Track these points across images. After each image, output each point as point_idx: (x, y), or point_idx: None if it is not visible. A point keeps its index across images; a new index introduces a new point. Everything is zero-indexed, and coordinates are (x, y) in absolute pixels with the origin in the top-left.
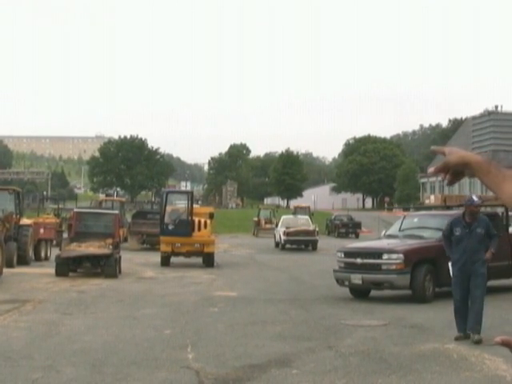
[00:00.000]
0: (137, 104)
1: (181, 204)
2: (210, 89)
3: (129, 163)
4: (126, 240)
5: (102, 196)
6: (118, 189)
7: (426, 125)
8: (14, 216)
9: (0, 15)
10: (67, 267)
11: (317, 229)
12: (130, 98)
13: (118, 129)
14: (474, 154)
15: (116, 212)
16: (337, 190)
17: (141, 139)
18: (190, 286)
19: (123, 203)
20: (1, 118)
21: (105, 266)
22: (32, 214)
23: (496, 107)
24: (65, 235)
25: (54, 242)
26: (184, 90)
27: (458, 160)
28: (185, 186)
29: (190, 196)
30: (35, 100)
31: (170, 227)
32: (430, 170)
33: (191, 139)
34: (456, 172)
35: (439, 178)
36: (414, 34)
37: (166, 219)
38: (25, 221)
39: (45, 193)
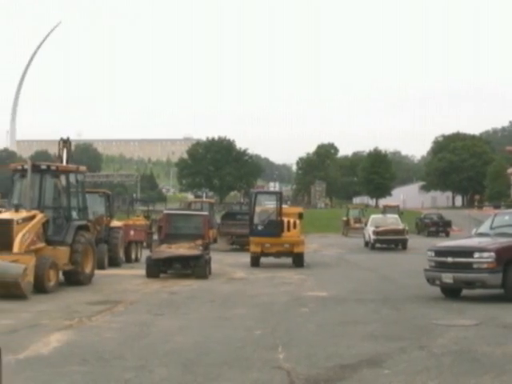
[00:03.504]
0: (225, 105)
1: (270, 204)
2: (299, 89)
3: (217, 164)
4: (215, 241)
5: (191, 197)
6: (207, 190)
7: None
8: (105, 218)
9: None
10: (158, 268)
11: (406, 228)
12: (218, 100)
13: (206, 130)
14: None
15: (205, 213)
16: (426, 188)
17: (229, 140)
18: (281, 286)
19: (212, 204)
20: (90, 122)
21: (195, 267)
22: (122, 217)
23: None
24: (155, 237)
25: (145, 244)
26: (272, 91)
27: None
28: (273, 186)
29: (279, 196)
30: (124, 104)
31: (260, 228)
32: None
33: (279, 140)
34: None
35: None
36: (505, 28)
37: (256, 220)
38: (115, 223)
39: (134, 195)
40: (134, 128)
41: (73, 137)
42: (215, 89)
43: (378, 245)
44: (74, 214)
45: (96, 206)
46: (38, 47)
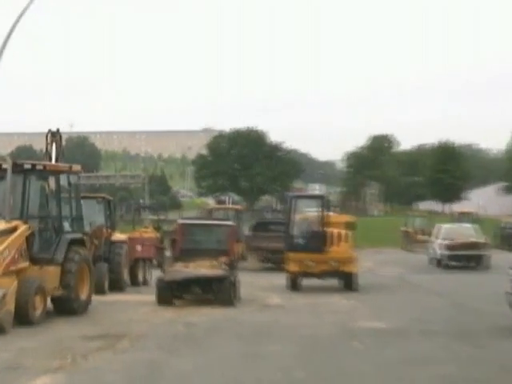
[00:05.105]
0: (253, 91)
1: (311, 212)
2: (340, 71)
3: (245, 162)
4: (244, 258)
5: (212, 203)
6: (232, 194)
7: None
8: (105, 230)
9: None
10: (171, 293)
11: (488, 241)
12: (243, 84)
13: (230, 120)
14: None
15: (231, 223)
16: (508, 190)
17: (258, 132)
18: (326, 315)
19: (239, 212)
20: (86, 110)
21: (218, 292)
22: (126, 228)
23: None
24: (167, 253)
25: (155, 262)
26: (310, 72)
27: None
28: (316, 188)
29: (323, 201)
30: (128, 89)
31: (299, 241)
32: None
33: (322, 131)
34: None
35: None
36: None
37: (294, 231)
38: (118, 236)
39: (141, 201)
40: (140, 118)
41: (64, 128)
42: (239, 71)
43: (451, 262)
44: (66, 225)
45: (93, 214)
46: (16, 22)
